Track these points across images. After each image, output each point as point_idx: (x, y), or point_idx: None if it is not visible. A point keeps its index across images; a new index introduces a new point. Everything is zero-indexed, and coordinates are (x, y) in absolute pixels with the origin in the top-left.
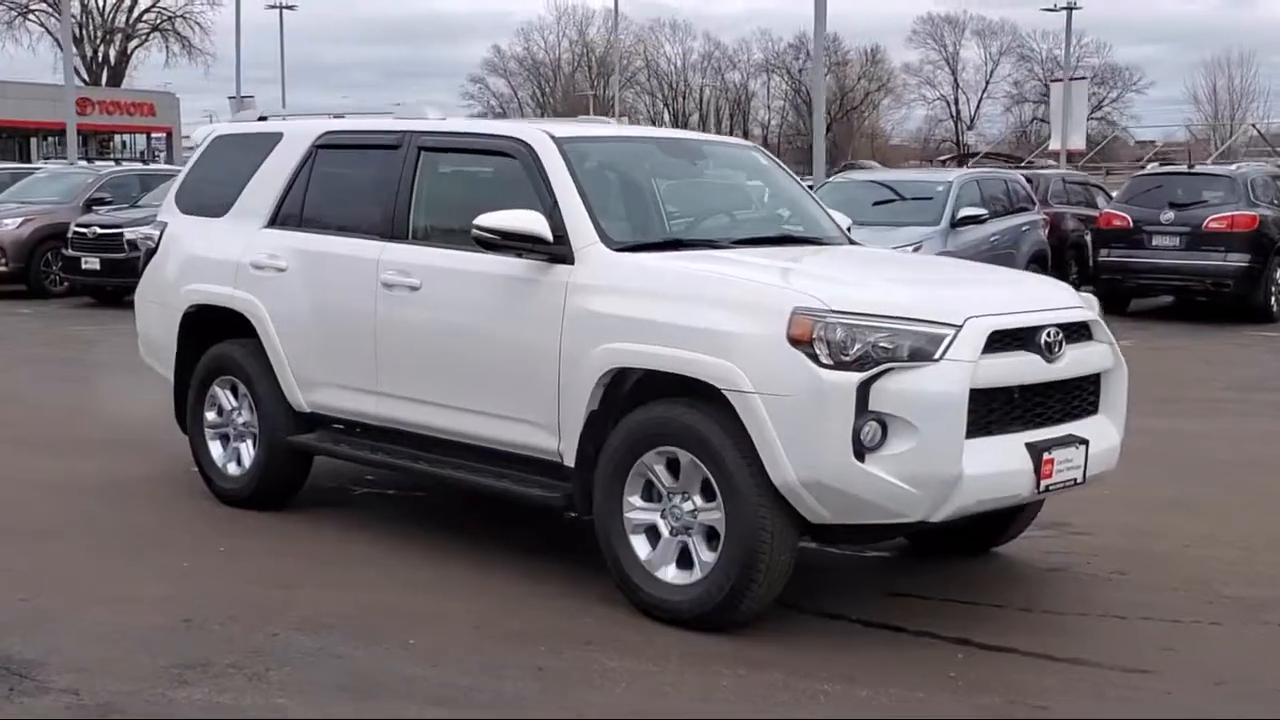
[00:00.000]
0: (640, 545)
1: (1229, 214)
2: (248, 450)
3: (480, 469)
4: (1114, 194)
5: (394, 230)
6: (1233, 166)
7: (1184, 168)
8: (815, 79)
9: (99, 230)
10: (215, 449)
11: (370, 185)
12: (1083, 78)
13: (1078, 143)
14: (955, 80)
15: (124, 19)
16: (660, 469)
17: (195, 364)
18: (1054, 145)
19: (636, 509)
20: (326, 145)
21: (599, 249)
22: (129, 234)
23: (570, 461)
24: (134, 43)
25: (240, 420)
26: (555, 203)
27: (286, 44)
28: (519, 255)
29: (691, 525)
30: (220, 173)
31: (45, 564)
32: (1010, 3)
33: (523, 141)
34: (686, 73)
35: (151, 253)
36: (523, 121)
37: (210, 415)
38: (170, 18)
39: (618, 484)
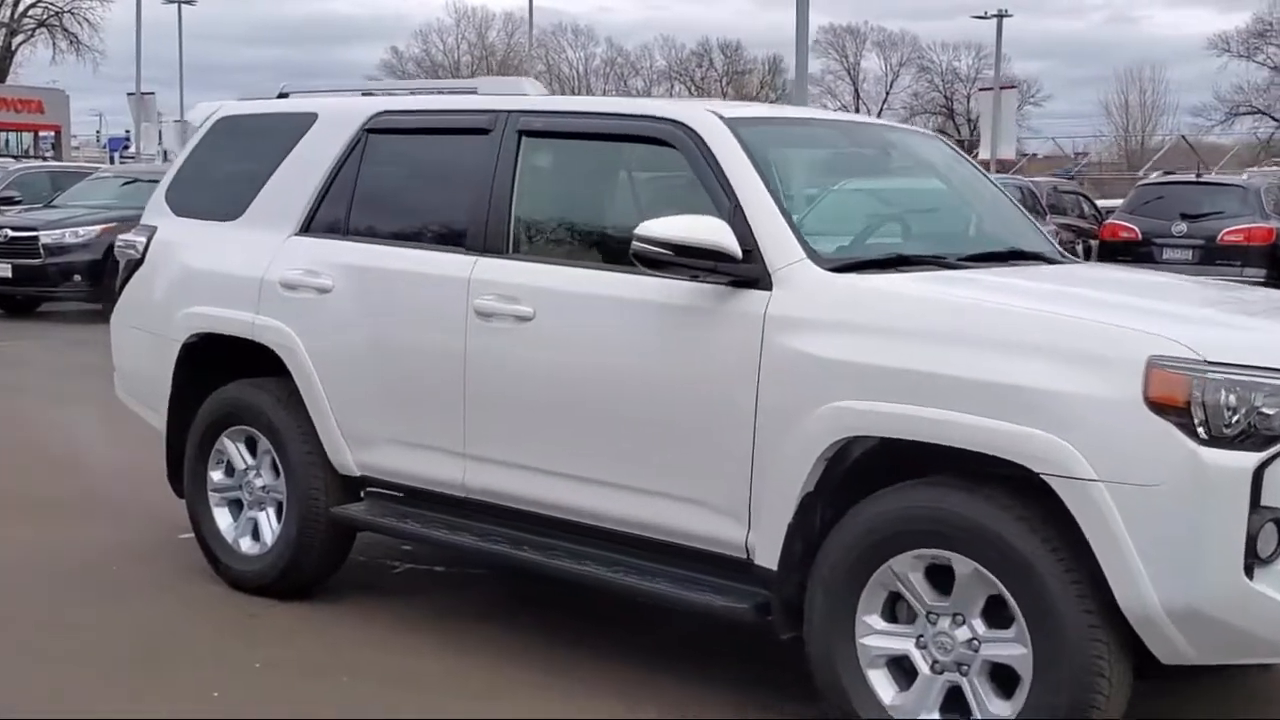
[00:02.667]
0: (883, 685)
1: (1245, 226)
2: (269, 522)
3: (621, 563)
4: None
5: (487, 241)
6: (1244, 176)
7: (1192, 176)
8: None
9: (10, 233)
10: (223, 519)
11: (450, 181)
12: (1012, 86)
13: (1007, 152)
14: (856, 90)
15: (8, 14)
16: (916, 578)
17: (196, 409)
18: (984, 155)
19: (876, 632)
20: (382, 129)
21: (807, 269)
22: (44, 237)
23: (768, 560)
24: (19, 38)
25: (259, 483)
26: (737, 206)
27: (173, 42)
28: (693, 277)
29: (969, 661)
30: (229, 164)
31: (31, 697)
32: (909, 15)
33: (682, 124)
34: (589, 78)
35: (135, 265)
36: (669, 100)
37: (216, 476)
38: (58, 13)
39: (848, 596)
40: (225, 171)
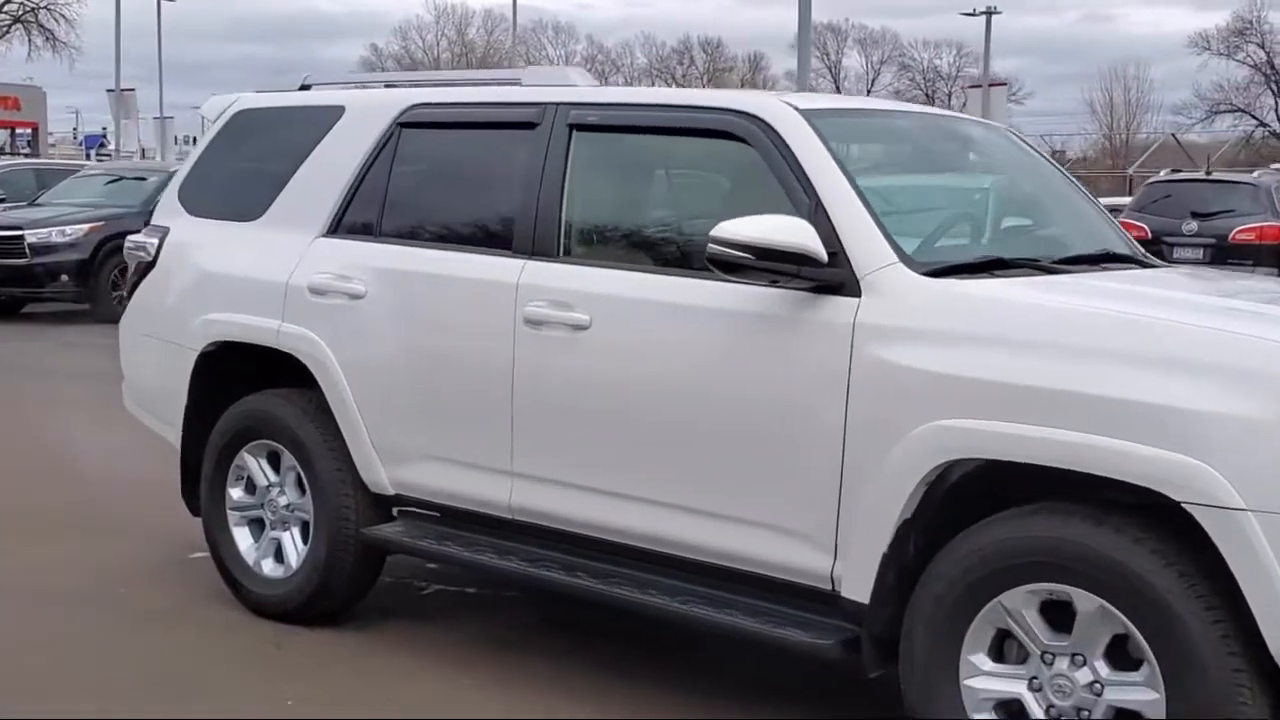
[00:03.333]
0: None
1: (1257, 225)
2: (293, 543)
3: (688, 592)
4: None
5: (536, 243)
6: (1255, 174)
7: (1201, 174)
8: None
9: None
10: (243, 539)
11: (493, 179)
12: (1002, 84)
13: None
14: (838, 87)
15: None
16: (1031, 615)
17: (213, 421)
18: None
19: (984, 673)
20: (416, 123)
21: (900, 273)
22: (30, 236)
23: (857, 593)
24: None
25: (283, 502)
26: (819, 205)
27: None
28: (772, 283)
29: (1090, 706)
30: (248, 160)
31: None
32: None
33: (754, 117)
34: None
35: (146, 268)
36: (736, 91)
37: (236, 493)
38: (33, 9)
39: (953, 634)
40: (244, 169)
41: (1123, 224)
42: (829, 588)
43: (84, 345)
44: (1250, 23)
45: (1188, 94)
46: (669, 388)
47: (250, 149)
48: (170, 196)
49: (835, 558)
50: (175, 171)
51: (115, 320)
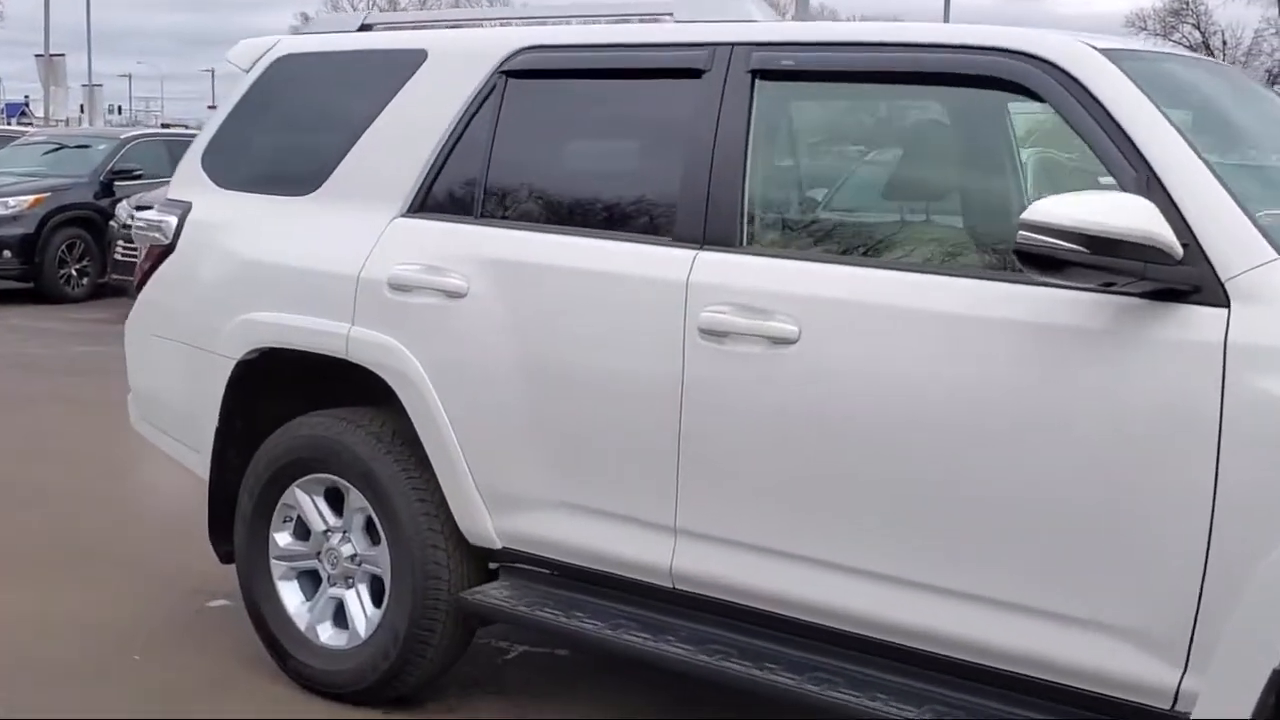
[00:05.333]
0: None
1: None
2: (360, 605)
3: (923, 696)
4: None
5: (710, 228)
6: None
7: None
8: None
9: None
10: (291, 596)
11: (643, 143)
12: None
13: None
14: None
15: None
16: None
17: (252, 446)
18: None
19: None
20: (527, 71)
21: None
22: None
23: (1222, 716)
24: None
25: (346, 552)
26: (1152, 179)
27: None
28: (1105, 286)
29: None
30: (295, 119)
31: None
32: None
33: (1043, 60)
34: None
35: (163, 253)
36: (1007, 27)
37: (283, 539)
38: None
39: None
40: (289, 130)
41: None
42: (1167, 707)
43: (32, 331)
44: (1187, 2)
45: None
46: (923, 428)
47: (297, 105)
48: (191, 164)
49: (1186, 668)
50: (124, 139)
51: (63, 300)
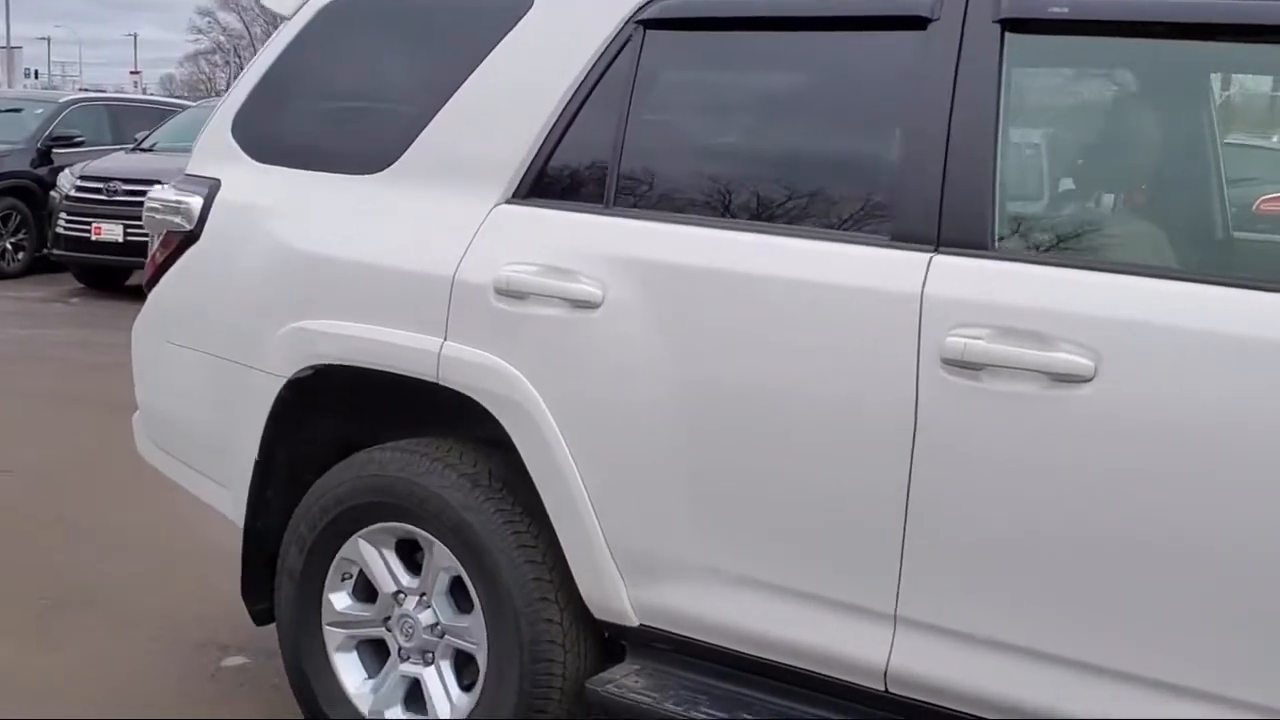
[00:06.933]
0: None
1: None
2: (444, 688)
3: None
4: None
5: (946, 225)
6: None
7: None
8: None
9: None
10: (350, 672)
11: (846, 115)
12: None
13: None
14: None
15: None
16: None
17: (300, 484)
18: None
19: None
20: (671, 21)
21: None
22: None
23: None
24: None
25: (425, 621)
26: None
27: None
28: None
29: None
30: (357, 78)
31: None
32: None
33: None
34: None
35: (183, 241)
36: None
37: (340, 600)
38: None
39: None
40: (348, 90)
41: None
42: None
43: None
44: None
45: None
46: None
47: (359, 60)
48: (219, 133)
49: None
50: (63, 103)
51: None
